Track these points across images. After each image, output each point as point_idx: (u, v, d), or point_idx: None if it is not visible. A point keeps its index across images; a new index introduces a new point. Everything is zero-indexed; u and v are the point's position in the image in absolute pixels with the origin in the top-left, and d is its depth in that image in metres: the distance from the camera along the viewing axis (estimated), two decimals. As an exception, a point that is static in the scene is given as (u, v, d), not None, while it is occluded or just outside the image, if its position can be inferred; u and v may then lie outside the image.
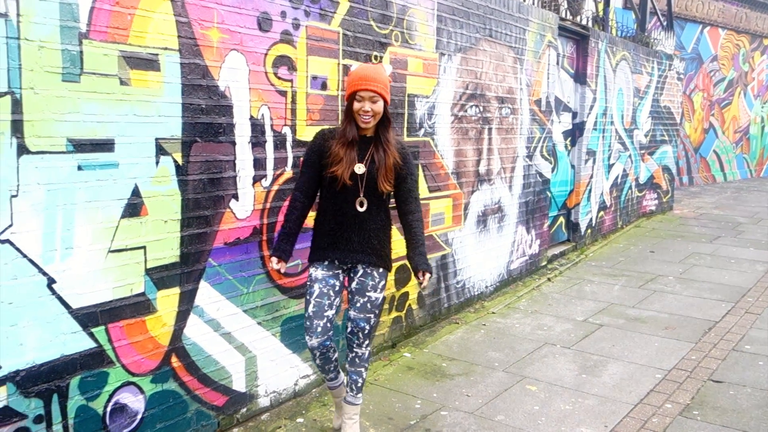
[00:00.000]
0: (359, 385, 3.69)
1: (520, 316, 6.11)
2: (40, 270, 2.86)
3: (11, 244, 2.74)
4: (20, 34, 2.69)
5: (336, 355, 3.66)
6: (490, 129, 6.30)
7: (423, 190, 5.36)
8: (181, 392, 3.55)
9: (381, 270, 3.59)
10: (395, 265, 4.79)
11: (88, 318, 3.06)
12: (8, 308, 2.75)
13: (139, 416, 3.34)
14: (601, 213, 9.59)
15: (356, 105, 3.41)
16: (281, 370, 4.18)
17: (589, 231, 9.21)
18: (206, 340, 3.67)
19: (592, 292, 6.97)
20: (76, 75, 2.91)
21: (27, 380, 2.85)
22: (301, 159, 3.73)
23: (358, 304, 3.56)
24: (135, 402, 3.32)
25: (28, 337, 2.84)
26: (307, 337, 3.53)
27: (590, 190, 9.11)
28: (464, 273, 6.12)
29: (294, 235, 3.58)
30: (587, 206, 9.08)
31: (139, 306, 3.29)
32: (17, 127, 2.72)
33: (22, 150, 2.74)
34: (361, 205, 3.48)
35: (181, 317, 3.51)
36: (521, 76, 6.78)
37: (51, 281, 2.90)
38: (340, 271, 3.59)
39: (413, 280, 5.26)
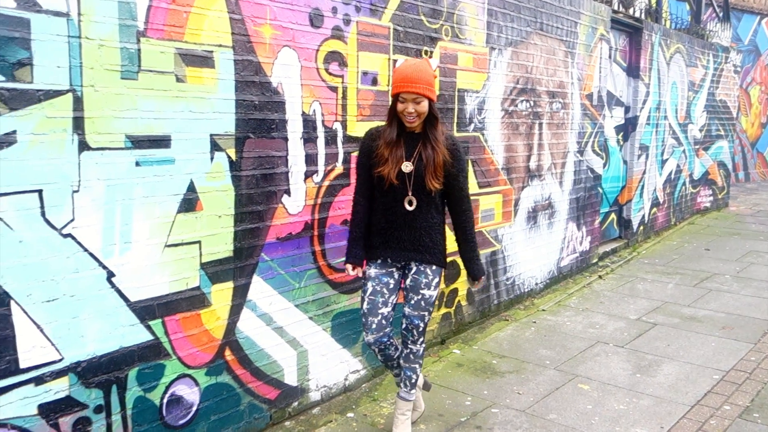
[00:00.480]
0: (413, 381, 3.69)
1: (571, 314, 6.01)
2: (100, 263, 2.92)
3: (73, 238, 2.81)
4: (81, 32, 2.75)
5: (398, 352, 3.67)
6: (540, 124, 6.21)
7: (473, 186, 5.32)
8: (235, 385, 3.60)
9: (434, 267, 3.56)
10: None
11: (145, 311, 3.12)
12: (70, 301, 2.83)
13: (194, 408, 3.40)
14: (654, 209, 9.37)
15: (400, 106, 3.38)
16: (332, 365, 4.20)
17: (641, 228, 9.01)
18: (259, 333, 3.71)
19: (645, 290, 6.82)
20: (134, 72, 2.96)
21: (88, 371, 2.92)
22: (355, 161, 3.74)
23: (412, 302, 3.56)
24: (190, 394, 3.37)
25: (89, 329, 2.91)
26: (364, 334, 3.58)
27: (643, 186, 8.90)
28: (514, 270, 6.05)
29: (362, 239, 3.58)
30: (640, 203, 8.88)
31: (195, 299, 3.34)
32: (78, 124, 2.79)
33: (83, 146, 2.81)
34: (410, 204, 3.45)
35: (235, 311, 3.56)
36: (572, 70, 6.67)
37: (110, 275, 2.96)
38: (394, 269, 3.58)
39: (463, 277, 5.23)
